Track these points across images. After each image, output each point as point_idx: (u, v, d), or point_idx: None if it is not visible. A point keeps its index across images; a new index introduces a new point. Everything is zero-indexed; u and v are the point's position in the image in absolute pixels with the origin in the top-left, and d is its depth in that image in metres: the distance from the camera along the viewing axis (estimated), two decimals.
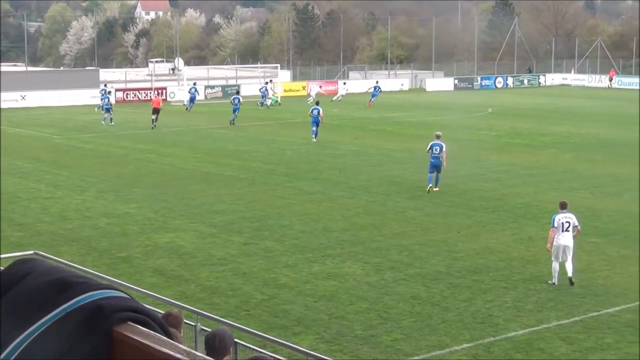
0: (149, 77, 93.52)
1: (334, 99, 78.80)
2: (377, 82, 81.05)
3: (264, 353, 12.56)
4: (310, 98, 73.57)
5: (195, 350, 8.20)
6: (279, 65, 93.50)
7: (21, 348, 1.65)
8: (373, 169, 38.92)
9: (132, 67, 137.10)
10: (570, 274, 21.11)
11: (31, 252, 17.63)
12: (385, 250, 24.36)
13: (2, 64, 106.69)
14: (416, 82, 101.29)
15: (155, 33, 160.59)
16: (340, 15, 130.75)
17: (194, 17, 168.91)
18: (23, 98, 72.61)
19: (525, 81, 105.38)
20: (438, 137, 33.74)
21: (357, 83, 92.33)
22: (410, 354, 16.64)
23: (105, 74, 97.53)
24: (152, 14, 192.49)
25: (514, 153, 43.70)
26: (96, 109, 65.48)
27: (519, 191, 33.42)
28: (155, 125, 55.76)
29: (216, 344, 9.11)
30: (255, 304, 19.50)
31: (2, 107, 66.57)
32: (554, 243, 21.39)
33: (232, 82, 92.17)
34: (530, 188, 34.06)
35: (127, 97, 77.90)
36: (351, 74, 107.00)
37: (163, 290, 19.45)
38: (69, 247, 24.87)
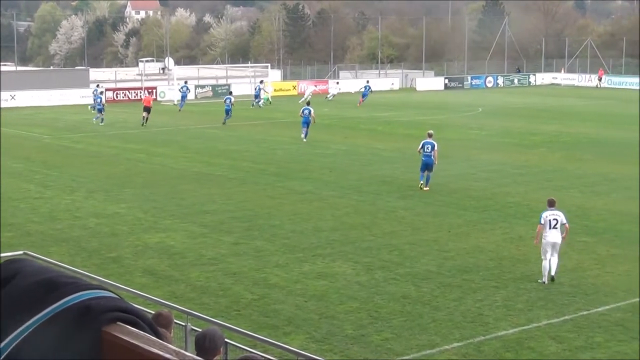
0: (139, 77, 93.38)
1: (327, 97, 78.93)
2: (367, 82, 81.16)
3: (254, 353, 12.55)
4: (309, 97, 73.69)
5: (186, 350, 8.20)
6: (269, 64, 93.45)
7: (10, 348, 1.64)
8: (363, 168, 38.93)
9: (122, 67, 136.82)
10: (553, 272, 21.20)
11: (21, 252, 17.62)
12: (376, 250, 24.37)
13: None
14: (406, 81, 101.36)
15: (145, 32, 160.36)
16: (331, 14, 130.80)
17: (184, 16, 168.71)
18: (13, 98, 72.43)
19: (516, 80, 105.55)
20: (430, 135, 33.82)
21: (347, 83, 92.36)
22: (400, 353, 16.65)
23: (95, 73, 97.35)
24: (142, 13, 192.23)
25: (504, 152, 43.75)
26: (89, 107, 65.51)
27: (509, 190, 33.47)
28: (145, 123, 55.80)
29: (206, 344, 9.10)
30: (246, 303, 19.49)
31: None
32: (542, 240, 21.48)
33: (222, 81, 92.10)
34: (521, 187, 34.11)
35: (117, 97, 77.77)
36: (342, 73, 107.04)
37: (153, 291, 19.43)
38: (59, 247, 24.82)
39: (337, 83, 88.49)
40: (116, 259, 23.56)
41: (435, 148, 33.21)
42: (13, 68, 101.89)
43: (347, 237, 25.88)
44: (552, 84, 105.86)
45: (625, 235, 26.32)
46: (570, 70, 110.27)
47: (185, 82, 74.28)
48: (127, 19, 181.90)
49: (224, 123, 57.34)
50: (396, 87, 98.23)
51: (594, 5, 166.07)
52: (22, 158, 42.17)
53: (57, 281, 1.72)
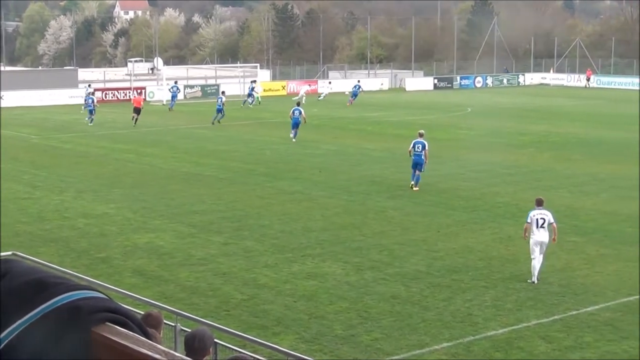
0: (128, 77, 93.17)
1: (319, 98, 79.04)
2: (358, 81, 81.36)
3: (243, 353, 12.54)
4: (303, 97, 73.99)
5: (175, 350, 8.18)
6: (258, 64, 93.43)
7: None
8: (353, 168, 38.95)
9: (111, 67, 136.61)
10: (538, 274, 21.26)
11: (9, 252, 17.57)
12: (365, 250, 24.38)
13: None
14: (396, 81, 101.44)
15: (134, 32, 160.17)
16: (320, 14, 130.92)
17: (173, 16, 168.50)
18: (1, 98, 72.20)
19: (505, 81, 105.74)
20: (421, 135, 33.94)
21: (337, 83, 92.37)
22: (390, 353, 16.66)
23: (83, 73, 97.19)
24: (131, 14, 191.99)
25: (493, 152, 43.80)
26: (83, 108, 65.49)
27: (498, 190, 33.52)
28: (134, 124, 55.81)
29: (195, 345, 9.09)
30: (235, 304, 19.48)
31: None
32: (530, 240, 21.54)
33: (211, 81, 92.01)
34: (510, 187, 34.16)
35: (106, 97, 77.61)
36: (331, 73, 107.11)
37: (142, 291, 19.42)
38: (48, 247, 24.77)
39: (330, 83, 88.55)
40: (105, 260, 23.53)
41: (426, 148, 33.29)
42: (1, 68, 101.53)
43: (337, 237, 25.89)
44: (541, 84, 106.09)
45: (614, 235, 26.39)
46: (559, 70, 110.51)
47: (176, 82, 74.31)
48: (116, 19, 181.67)
49: (212, 123, 57.30)
50: (385, 87, 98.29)
51: (583, 5, 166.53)
52: (10, 158, 42.01)
53: (46, 281, 1.71)
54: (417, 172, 33.40)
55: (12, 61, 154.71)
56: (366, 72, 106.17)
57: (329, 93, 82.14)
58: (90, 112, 58.06)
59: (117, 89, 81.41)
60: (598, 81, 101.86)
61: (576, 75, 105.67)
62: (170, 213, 29.39)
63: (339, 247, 24.70)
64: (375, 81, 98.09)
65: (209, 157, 42.32)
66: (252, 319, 18.43)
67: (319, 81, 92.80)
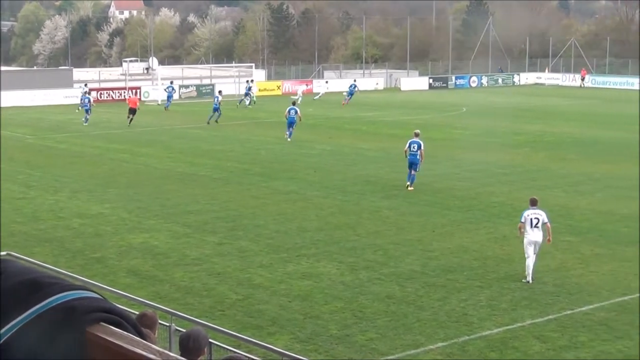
0: (123, 77, 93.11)
1: (315, 97, 79.09)
2: (354, 81, 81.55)
3: (238, 353, 12.55)
4: (300, 97, 74.20)
5: (170, 350, 8.18)
6: (253, 64, 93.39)
7: None
8: (348, 168, 38.95)
9: (106, 67, 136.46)
10: (531, 271, 21.31)
11: (4, 253, 17.56)
12: (360, 250, 24.38)
13: None
14: (391, 81, 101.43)
15: (129, 32, 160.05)
16: (315, 14, 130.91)
17: (168, 16, 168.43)
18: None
19: (500, 80, 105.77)
20: (417, 135, 34.02)
21: (332, 82, 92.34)
22: (385, 353, 16.66)
23: (78, 73, 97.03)
24: (126, 13, 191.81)
25: (488, 152, 43.80)
26: (79, 108, 65.57)
27: (494, 190, 33.54)
28: (129, 124, 55.84)
29: (190, 345, 9.09)
30: (230, 304, 19.48)
31: None
32: (524, 239, 21.58)
33: (206, 81, 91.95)
34: (505, 187, 34.18)
35: (101, 97, 77.47)
36: (326, 73, 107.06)
37: (137, 291, 19.41)
38: (42, 247, 24.75)
39: (327, 82, 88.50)
40: (100, 260, 23.51)
41: (422, 147, 33.32)
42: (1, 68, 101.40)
43: (332, 237, 25.89)
44: (536, 84, 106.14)
45: (609, 234, 26.43)
46: (554, 70, 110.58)
47: (171, 83, 74.35)
48: (111, 19, 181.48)
49: (208, 122, 57.32)
50: (380, 87, 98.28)
51: (578, 5, 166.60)
52: (6, 158, 41.93)
53: (40, 281, 1.71)
54: (412, 171, 33.45)
55: (7, 61, 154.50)
56: (361, 72, 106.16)
57: (325, 93, 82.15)
58: (87, 111, 58.05)
59: (112, 89, 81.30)
60: (593, 81, 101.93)
61: (571, 75, 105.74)
62: (165, 213, 29.37)
63: (334, 247, 24.70)
64: (370, 81, 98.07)
65: (203, 157, 42.30)
66: (247, 319, 18.43)
67: (315, 81, 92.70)
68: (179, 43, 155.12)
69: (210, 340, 11.83)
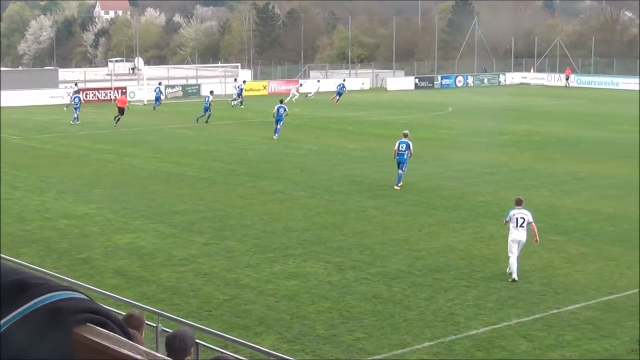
0: (109, 77, 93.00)
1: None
2: (343, 81, 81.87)
3: (225, 353, 12.54)
4: (296, 96, 74.56)
5: (157, 351, 8.16)
6: (239, 64, 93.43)
7: None
8: (334, 168, 38.96)
9: (92, 67, 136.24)
10: (515, 269, 21.39)
11: None
12: (347, 250, 24.39)
13: None
14: (377, 81, 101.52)
15: (115, 32, 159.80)
16: (301, 14, 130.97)
17: (153, 16, 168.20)
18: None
19: (485, 80, 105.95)
20: (405, 135, 34.31)
21: (312, 83, 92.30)
22: (372, 353, 16.67)
23: (64, 73, 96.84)
24: (112, 13, 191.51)
25: (474, 152, 43.87)
26: (65, 108, 65.61)
27: (480, 190, 33.60)
28: (115, 124, 55.83)
29: (176, 345, 9.09)
30: (217, 304, 19.46)
31: None
32: (509, 238, 21.67)
33: (192, 81, 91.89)
34: (491, 186, 34.24)
35: (86, 97, 77.19)
36: (312, 73, 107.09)
37: (124, 292, 19.38)
38: (28, 248, 24.67)
39: (318, 82, 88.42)
40: (86, 260, 23.46)
41: (410, 147, 33.60)
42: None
43: (318, 237, 25.89)
44: (522, 84, 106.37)
45: (595, 234, 26.51)
46: (540, 69, 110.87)
47: (160, 83, 74.32)
48: (96, 19, 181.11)
49: (197, 120, 57.64)
50: (366, 86, 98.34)
51: (563, 5, 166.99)
52: None
53: (27, 282, 1.70)
54: (400, 170, 33.57)
55: None
56: (347, 71, 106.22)
57: (317, 92, 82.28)
58: (75, 109, 58.19)
59: (97, 89, 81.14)
60: (578, 80, 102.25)
61: (556, 75, 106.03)
62: (152, 213, 29.32)
63: (321, 247, 24.70)
64: (356, 81, 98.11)
65: (190, 157, 42.25)
66: (234, 319, 18.42)
67: (308, 80, 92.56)
68: (165, 43, 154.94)
69: (197, 340, 11.82)
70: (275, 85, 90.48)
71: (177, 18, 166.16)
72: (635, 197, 31.82)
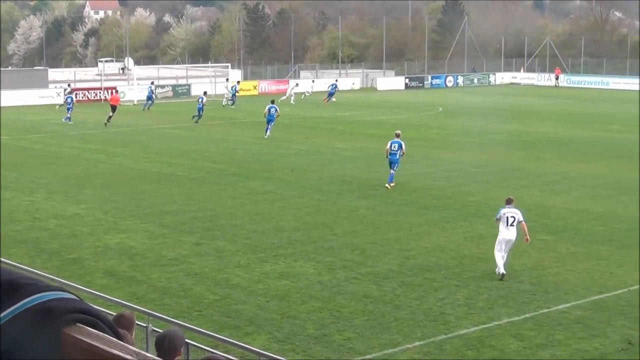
0: (99, 77, 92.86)
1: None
2: (336, 80, 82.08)
3: (216, 353, 12.53)
4: (292, 97, 74.69)
5: (147, 351, 8.15)
6: (229, 64, 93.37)
7: None
8: (324, 168, 38.96)
9: (81, 67, 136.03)
10: (505, 270, 21.42)
11: None
12: (337, 250, 24.39)
13: None
14: (367, 81, 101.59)
15: (105, 32, 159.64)
16: (291, 14, 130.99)
17: (143, 16, 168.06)
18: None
19: (476, 80, 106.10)
20: (397, 135, 34.48)
21: (308, 82, 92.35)
22: (362, 352, 16.67)
23: (54, 73, 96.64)
24: (101, 13, 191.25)
25: (464, 151, 43.93)
26: (57, 107, 65.68)
27: (470, 189, 33.63)
28: (106, 123, 55.88)
29: (165, 345, 9.09)
30: (207, 304, 19.44)
31: None
32: (498, 237, 21.71)
33: (182, 81, 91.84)
34: (481, 186, 34.28)
35: (76, 97, 77.04)
36: (302, 73, 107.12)
37: (114, 292, 19.35)
38: (18, 249, 24.61)
39: (313, 81, 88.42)
40: (77, 260, 23.41)
41: (403, 147, 33.75)
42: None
43: (309, 237, 25.88)
44: (512, 83, 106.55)
45: (585, 233, 26.56)
46: (530, 69, 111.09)
47: (152, 83, 74.26)
48: (86, 19, 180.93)
49: (193, 117, 58.08)
50: (357, 86, 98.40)
51: (553, 5, 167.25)
52: None
53: (17, 282, 1.70)
54: (391, 170, 33.64)
55: None
56: (337, 71, 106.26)
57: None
58: (68, 109, 58.34)
59: (87, 89, 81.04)
60: (568, 80, 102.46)
61: (546, 75, 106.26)
62: (142, 213, 29.28)
63: (311, 247, 24.70)
64: (346, 81, 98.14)
65: (180, 157, 42.21)
66: (224, 319, 18.40)
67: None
68: (155, 43, 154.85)
69: (187, 340, 11.81)
70: (265, 85, 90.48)
71: (167, 18, 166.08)
72: (625, 197, 31.95)
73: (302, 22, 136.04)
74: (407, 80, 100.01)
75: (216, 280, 21.37)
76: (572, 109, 71.44)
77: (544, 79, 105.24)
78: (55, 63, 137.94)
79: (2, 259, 18.14)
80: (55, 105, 67.82)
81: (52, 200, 32.00)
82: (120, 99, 66.31)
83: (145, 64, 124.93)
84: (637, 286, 20.84)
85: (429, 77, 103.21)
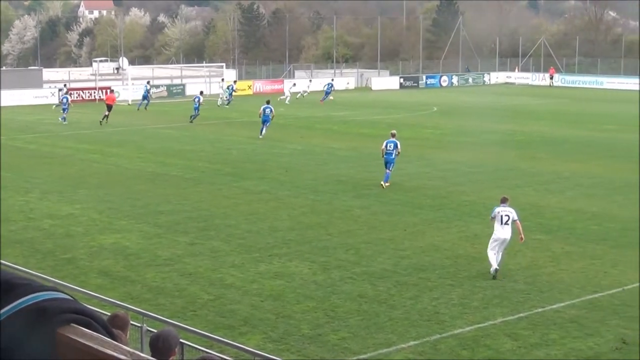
0: (93, 77, 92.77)
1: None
2: (332, 80, 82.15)
3: (211, 353, 12.53)
4: (289, 97, 74.79)
5: (141, 351, 8.15)
6: (224, 64, 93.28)
7: None
8: (319, 168, 38.96)
9: (76, 67, 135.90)
10: (498, 266, 21.44)
11: None
12: (332, 249, 24.39)
13: None
14: (362, 81, 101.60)
15: (99, 32, 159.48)
16: (286, 14, 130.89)
17: (138, 16, 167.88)
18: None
19: (470, 80, 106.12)
20: (393, 135, 34.49)
21: (303, 82, 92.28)
22: (357, 352, 16.67)
23: (48, 73, 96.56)
24: (96, 13, 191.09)
25: (459, 151, 43.96)
26: (54, 107, 65.74)
27: (464, 189, 33.65)
28: (102, 122, 55.98)
29: (160, 345, 9.08)
30: (202, 304, 19.43)
31: None
32: (493, 236, 21.72)
33: (177, 81, 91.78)
34: (475, 186, 34.30)
35: (70, 97, 77.05)
36: (297, 73, 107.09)
37: (109, 292, 19.34)
38: (13, 249, 24.57)
39: (310, 81, 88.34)
40: (71, 260, 23.39)
41: (398, 147, 33.83)
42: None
43: (304, 237, 25.88)
44: (507, 83, 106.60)
45: (579, 232, 26.58)
46: (524, 69, 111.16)
47: (148, 82, 74.18)
48: (81, 19, 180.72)
49: (190, 118, 58.00)
50: (351, 86, 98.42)
51: (547, 5, 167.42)
52: None
53: (11, 282, 1.70)
54: (387, 170, 33.70)
55: None
56: (332, 71, 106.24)
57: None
58: (64, 110, 58.38)
59: (82, 89, 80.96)
60: (562, 80, 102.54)
61: (541, 74, 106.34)
62: (136, 213, 29.26)
63: (306, 247, 24.70)
64: (341, 80, 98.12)
65: (175, 157, 42.18)
66: (219, 319, 18.40)
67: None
68: (149, 43, 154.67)
69: (182, 340, 11.81)
70: (260, 85, 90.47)
71: (162, 18, 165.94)
72: (619, 196, 31.99)
73: (297, 22, 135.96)
74: (401, 80, 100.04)
75: (211, 280, 21.37)
76: (566, 108, 71.50)
77: (539, 79, 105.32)
78: (50, 63, 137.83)
79: None
80: (52, 105, 67.82)
81: (47, 200, 31.97)
82: (116, 99, 66.35)
83: (139, 63, 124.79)
84: (632, 285, 20.87)
85: (424, 77, 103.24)
